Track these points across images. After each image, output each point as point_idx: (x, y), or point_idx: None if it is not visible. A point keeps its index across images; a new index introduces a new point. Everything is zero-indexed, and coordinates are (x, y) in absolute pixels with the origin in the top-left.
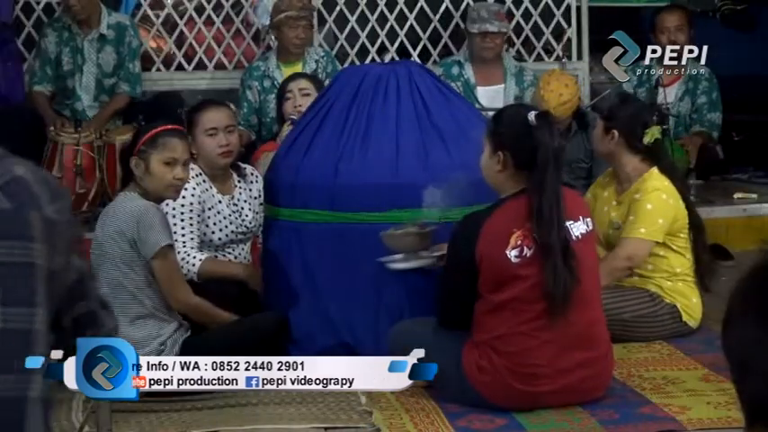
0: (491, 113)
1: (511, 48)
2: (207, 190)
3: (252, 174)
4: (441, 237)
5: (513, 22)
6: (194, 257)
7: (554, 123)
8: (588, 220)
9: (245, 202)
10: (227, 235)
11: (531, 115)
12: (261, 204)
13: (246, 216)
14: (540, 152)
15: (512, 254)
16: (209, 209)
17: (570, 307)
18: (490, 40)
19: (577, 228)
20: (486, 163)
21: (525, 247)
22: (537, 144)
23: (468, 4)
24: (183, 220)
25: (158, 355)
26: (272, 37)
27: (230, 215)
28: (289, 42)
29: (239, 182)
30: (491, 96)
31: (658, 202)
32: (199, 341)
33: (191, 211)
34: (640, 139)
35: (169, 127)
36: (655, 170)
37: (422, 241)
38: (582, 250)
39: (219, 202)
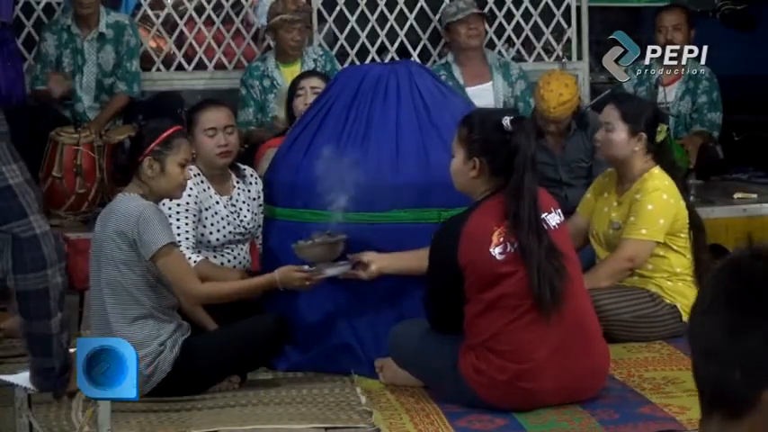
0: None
1: (511, 48)
2: (204, 190)
3: (251, 175)
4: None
5: (513, 22)
6: (189, 258)
7: (530, 127)
8: (559, 211)
9: (244, 203)
10: (224, 236)
11: (506, 121)
12: (260, 206)
13: (245, 217)
14: (519, 157)
15: (496, 251)
16: (207, 209)
17: (562, 304)
18: (474, 27)
19: (552, 218)
20: (459, 169)
21: (508, 243)
22: (514, 149)
23: None
24: (179, 220)
25: (158, 355)
26: (271, 37)
27: (228, 216)
28: (286, 44)
29: (238, 183)
30: (480, 95)
31: (659, 202)
32: (198, 342)
33: (187, 211)
34: (653, 139)
35: (179, 128)
36: (656, 170)
37: (331, 251)
38: (558, 240)
39: (217, 203)
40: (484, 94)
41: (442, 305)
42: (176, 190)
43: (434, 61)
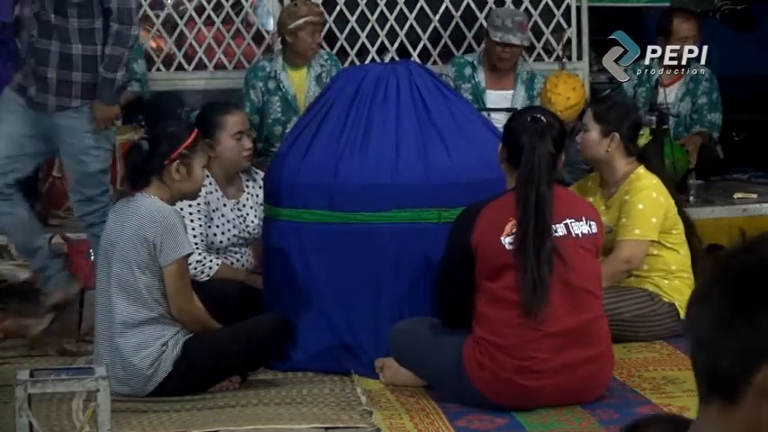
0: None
1: None
2: (212, 192)
3: (263, 179)
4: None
5: None
6: (210, 261)
7: None
8: (588, 220)
9: (251, 208)
10: (228, 239)
11: None
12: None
13: (252, 222)
14: None
15: (506, 240)
16: (214, 211)
17: (545, 306)
18: (509, 51)
19: (579, 227)
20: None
21: None
22: None
23: (467, 3)
24: (192, 221)
25: (160, 355)
26: (290, 40)
27: (234, 219)
28: (307, 48)
29: (247, 186)
30: (498, 101)
31: (649, 200)
32: (200, 342)
33: (199, 212)
34: (635, 142)
35: (198, 131)
36: (641, 170)
37: None
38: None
39: (224, 205)
40: (502, 101)
41: (453, 292)
42: (197, 191)
43: (434, 62)
